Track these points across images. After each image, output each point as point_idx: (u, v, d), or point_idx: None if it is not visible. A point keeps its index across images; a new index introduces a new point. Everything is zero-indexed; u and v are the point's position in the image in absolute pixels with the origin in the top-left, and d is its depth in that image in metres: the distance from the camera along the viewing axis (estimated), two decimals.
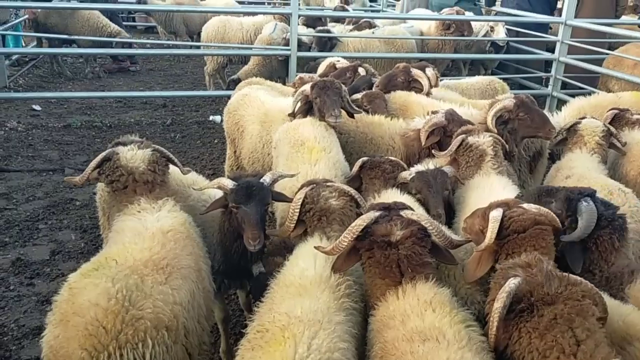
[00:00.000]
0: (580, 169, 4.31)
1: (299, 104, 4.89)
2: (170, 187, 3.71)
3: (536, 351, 2.23)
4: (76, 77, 11.63)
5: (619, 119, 5.12)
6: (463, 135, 4.24)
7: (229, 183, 3.43)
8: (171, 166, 4.16)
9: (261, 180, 3.48)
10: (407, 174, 3.97)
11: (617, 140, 4.73)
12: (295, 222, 3.33)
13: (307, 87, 4.86)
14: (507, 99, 4.78)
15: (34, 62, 11.78)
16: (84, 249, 5.45)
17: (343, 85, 4.99)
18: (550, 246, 2.89)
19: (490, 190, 3.71)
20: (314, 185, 3.46)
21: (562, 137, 4.93)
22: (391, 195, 3.57)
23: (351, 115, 4.99)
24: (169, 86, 11.52)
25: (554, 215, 2.97)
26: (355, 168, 4.19)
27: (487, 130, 4.48)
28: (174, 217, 3.23)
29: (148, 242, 2.92)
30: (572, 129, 4.82)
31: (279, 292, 2.75)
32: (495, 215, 2.88)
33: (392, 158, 4.30)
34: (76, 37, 10.53)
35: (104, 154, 3.50)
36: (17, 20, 10.97)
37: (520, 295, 2.34)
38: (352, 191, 3.49)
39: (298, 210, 3.33)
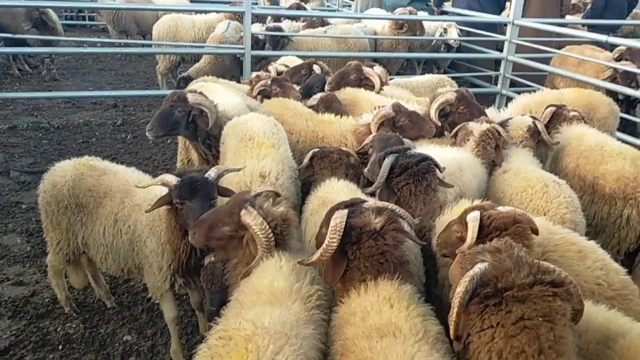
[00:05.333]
0: (516, 162, 4.44)
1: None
2: None
3: (496, 353, 2.13)
4: (23, 77, 11.24)
5: (557, 115, 5.29)
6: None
7: (172, 179, 3.36)
8: (117, 166, 4.10)
9: (206, 175, 3.41)
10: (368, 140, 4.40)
11: (545, 135, 4.89)
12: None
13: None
14: (448, 92, 4.94)
15: None
16: (30, 253, 5.30)
17: None
18: (533, 245, 2.89)
19: None
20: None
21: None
22: (335, 185, 3.67)
23: None
24: (120, 86, 11.24)
25: (530, 217, 2.96)
26: (306, 159, 4.34)
27: None
28: None
29: None
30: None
31: (249, 297, 2.62)
32: (474, 215, 2.89)
33: (342, 148, 4.45)
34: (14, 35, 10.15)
35: None
36: None
37: (486, 280, 2.22)
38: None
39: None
